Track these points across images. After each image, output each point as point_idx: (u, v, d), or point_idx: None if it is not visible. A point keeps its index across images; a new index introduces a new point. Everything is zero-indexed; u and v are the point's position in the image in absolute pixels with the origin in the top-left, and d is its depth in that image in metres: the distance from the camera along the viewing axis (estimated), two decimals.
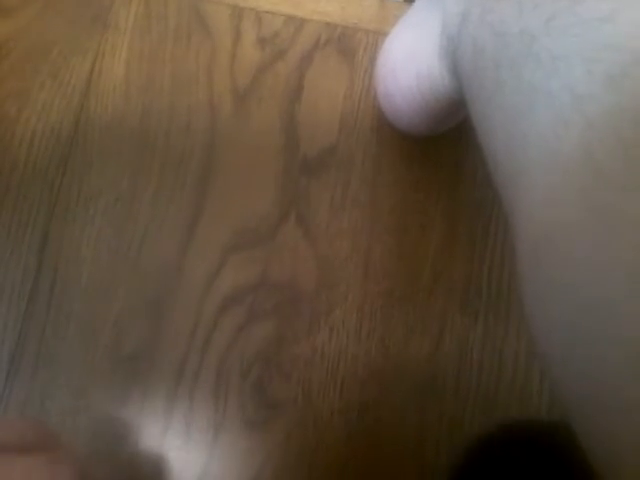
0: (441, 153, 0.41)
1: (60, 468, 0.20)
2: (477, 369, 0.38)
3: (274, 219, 0.39)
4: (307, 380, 0.37)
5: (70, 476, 0.20)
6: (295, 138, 0.40)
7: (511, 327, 0.39)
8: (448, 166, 0.41)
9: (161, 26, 0.42)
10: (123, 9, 0.42)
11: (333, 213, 0.40)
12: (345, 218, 0.40)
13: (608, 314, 0.15)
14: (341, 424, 0.37)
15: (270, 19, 0.42)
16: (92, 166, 0.39)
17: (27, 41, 0.41)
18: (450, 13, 0.26)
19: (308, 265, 0.39)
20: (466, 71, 0.25)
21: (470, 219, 0.40)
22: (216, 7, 0.42)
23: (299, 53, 0.42)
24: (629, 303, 0.15)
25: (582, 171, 0.16)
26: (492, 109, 0.22)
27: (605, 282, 0.15)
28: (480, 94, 0.23)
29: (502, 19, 0.21)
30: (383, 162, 0.41)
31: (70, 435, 0.36)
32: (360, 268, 0.39)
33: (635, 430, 0.15)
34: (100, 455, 0.36)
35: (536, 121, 0.19)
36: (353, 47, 0.42)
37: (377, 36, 0.42)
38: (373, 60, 0.42)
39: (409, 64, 0.34)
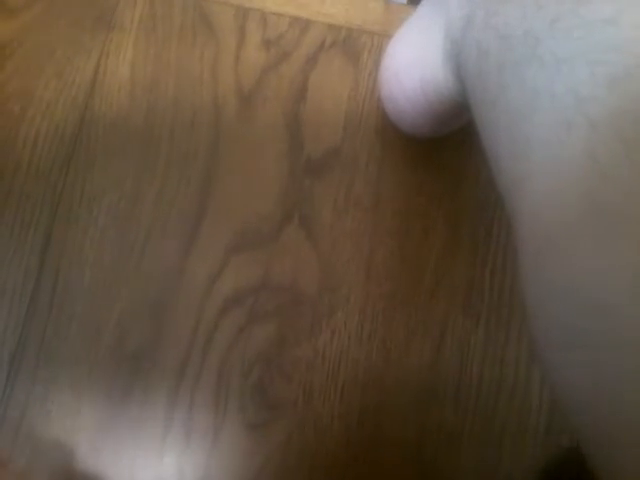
0: (444, 156, 0.41)
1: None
2: (478, 372, 0.38)
3: (277, 220, 0.39)
4: (308, 382, 0.37)
5: None
6: (299, 139, 0.40)
7: (512, 330, 0.38)
8: (451, 169, 0.41)
9: (166, 26, 0.42)
10: (128, 9, 0.42)
11: (336, 215, 0.39)
12: (348, 220, 0.40)
13: (610, 317, 0.15)
14: (341, 428, 0.37)
15: (275, 20, 0.42)
16: (96, 166, 0.39)
17: (31, 41, 0.41)
18: (454, 17, 0.26)
19: (310, 267, 0.39)
20: (470, 74, 0.25)
21: (472, 222, 0.40)
22: (221, 8, 0.42)
23: (304, 55, 0.42)
24: (632, 306, 0.15)
25: (585, 173, 0.16)
26: (496, 112, 0.22)
27: (608, 285, 0.15)
28: (484, 97, 0.23)
29: (506, 22, 0.21)
30: (387, 164, 0.40)
31: (70, 435, 0.36)
32: (362, 270, 0.39)
33: (635, 435, 0.15)
34: (100, 455, 0.36)
35: (539, 124, 0.19)
36: (358, 49, 0.42)
37: (382, 38, 0.42)
38: (378, 62, 0.41)
39: (413, 67, 0.34)
